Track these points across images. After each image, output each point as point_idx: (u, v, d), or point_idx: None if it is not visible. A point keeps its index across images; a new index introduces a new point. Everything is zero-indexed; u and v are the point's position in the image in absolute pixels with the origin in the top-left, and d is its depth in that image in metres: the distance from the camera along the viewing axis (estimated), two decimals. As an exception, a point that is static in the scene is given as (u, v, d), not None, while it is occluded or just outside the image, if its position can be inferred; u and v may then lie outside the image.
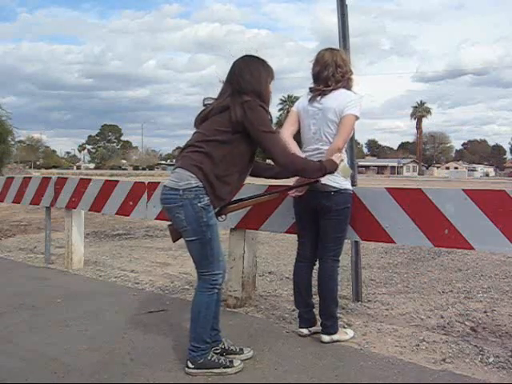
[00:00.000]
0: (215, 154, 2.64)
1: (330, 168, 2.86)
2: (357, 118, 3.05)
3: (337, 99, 3.04)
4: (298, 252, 3.34)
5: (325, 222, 3.11)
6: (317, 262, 3.28)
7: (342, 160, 2.93)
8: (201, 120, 2.79)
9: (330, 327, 3.15)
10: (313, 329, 3.26)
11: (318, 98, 3.10)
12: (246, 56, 2.87)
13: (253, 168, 2.95)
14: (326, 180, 3.00)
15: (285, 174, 2.99)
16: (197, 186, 2.60)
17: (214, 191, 2.65)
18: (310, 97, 3.15)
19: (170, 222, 2.80)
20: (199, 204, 2.61)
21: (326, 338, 3.13)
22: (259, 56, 2.88)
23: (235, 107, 2.65)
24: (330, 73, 3.06)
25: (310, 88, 3.18)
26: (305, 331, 3.26)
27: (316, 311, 3.28)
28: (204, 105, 2.83)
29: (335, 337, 3.14)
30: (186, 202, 2.61)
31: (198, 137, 2.74)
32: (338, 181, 3.03)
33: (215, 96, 2.83)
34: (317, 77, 3.13)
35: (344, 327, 3.39)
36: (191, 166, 2.63)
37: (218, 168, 2.65)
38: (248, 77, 2.74)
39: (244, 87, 2.71)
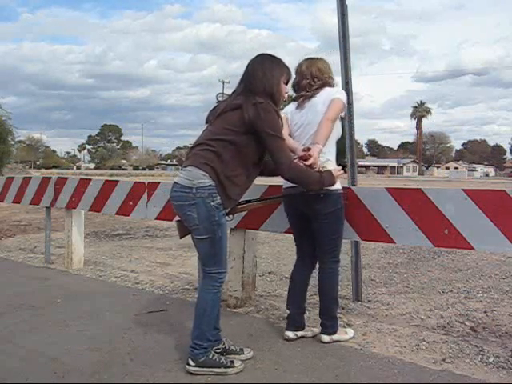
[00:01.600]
0: (224, 154, 2.64)
1: (329, 181, 2.88)
2: (344, 104, 3.12)
3: (322, 95, 3.12)
4: (297, 255, 3.35)
5: (318, 225, 3.11)
6: (316, 265, 3.28)
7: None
8: (213, 117, 2.77)
9: (330, 327, 3.15)
10: (300, 333, 3.20)
11: (305, 102, 3.17)
12: (261, 55, 2.87)
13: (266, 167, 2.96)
14: None
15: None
16: (210, 185, 2.60)
17: (224, 191, 2.65)
18: (297, 103, 3.22)
19: (177, 218, 2.80)
20: (212, 203, 2.61)
21: (326, 338, 3.13)
22: (275, 55, 2.87)
23: (248, 107, 2.64)
24: (306, 82, 3.16)
25: (294, 97, 3.26)
26: (291, 335, 3.19)
27: (306, 316, 3.28)
28: (217, 101, 2.84)
29: (335, 337, 3.14)
30: (199, 201, 2.61)
31: (208, 135, 2.73)
32: None
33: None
34: (297, 87, 3.22)
35: (344, 327, 3.39)
36: (203, 164, 2.62)
37: (227, 168, 2.65)
38: (260, 76, 2.74)
39: (256, 86, 2.72)
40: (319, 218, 3.08)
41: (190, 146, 2.85)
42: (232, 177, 2.67)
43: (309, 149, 2.84)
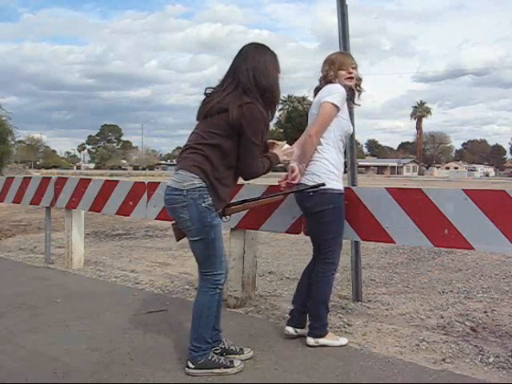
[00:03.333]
0: (213, 158, 2.63)
1: (274, 161, 2.85)
2: (334, 105, 3.00)
3: (318, 96, 3.11)
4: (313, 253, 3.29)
5: (312, 224, 3.12)
6: None
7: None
8: (202, 116, 2.73)
9: (317, 329, 3.07)
10: (300, 331, 3.19)
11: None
12: (257, 44, 2.77)
13: None
14: (304, 180, 3.00)
15: None
16: (200, 186, 2.60)
17: (216, 192, 2.64)
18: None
19: (173, 222, 2.80)
20: (203, 204, 2.61)
21: (310, 340, 3.05)
22: (269, 46, 2.78)
23: (233, 109, 2.58)
24: (321, 76, 3.19)
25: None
26: (291, 330, 3.18)
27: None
28: (205, 94, 2.76)
29: (322, 341, 3.05)
30: (190, 202, 2.60)
31: (196, 138, 2.70)
32: (316, 180, 2.99)
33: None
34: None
35: (345, 326, 3.40)
36: (193, 166, 2.62)
37: (217, 171, 2.64)
38: (263, 70, 2.65)
39: (254, 82, 2.63)
40: (312, 216, 3.07)
41: (181, 149, 2.83)
42: (221, 178, 2.66)
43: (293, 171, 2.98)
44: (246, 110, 2.58)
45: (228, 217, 2.87)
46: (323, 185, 2.97)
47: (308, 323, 3.15)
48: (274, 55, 2.77)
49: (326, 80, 3.14)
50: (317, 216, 3.04)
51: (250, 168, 2.71)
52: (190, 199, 2.60)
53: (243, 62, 2.69)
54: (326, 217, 3.02)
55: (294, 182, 3.02)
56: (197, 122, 2.79)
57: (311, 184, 2.99)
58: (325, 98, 3.02)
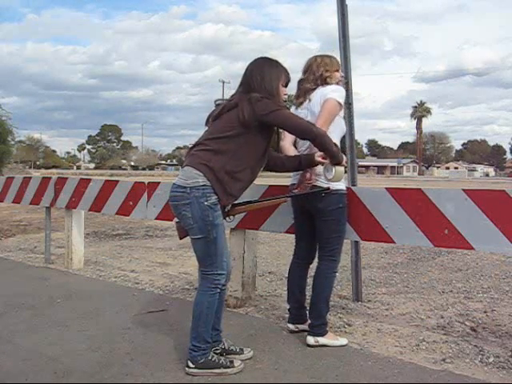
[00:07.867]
0: (225, 150, 2.66)
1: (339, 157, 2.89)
2: (339, 103, 3.07)
3: (318, 94, 3.11)
4: (294, 250, 3.39)
5: (318, 223, 3.14)
6: (313, 261, 3.30)
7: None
8: (212, 118, 2.80)
9: (317, 328, 3.09)
10: (300, 326, 3.27)
11: (305, 100, 3.17)
12: (259, 58, 2.89)
13: (274, 162, 2.98)
14: (317, 182, 3.03)
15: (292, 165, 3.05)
16: (204, 185, 2.62)
17: (224, 188, 2.66)
18: (298, 101, 3.22)
19: (177, 220, 2.82)
20: (206, 202, 2.62)
21: (310, 339, 3.07)
22: (272, 58, 2.89)
23: (243, 105, 2.67)
24: (307, 78, 3.17)
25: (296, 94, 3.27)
26: (291, 326, 3.29)
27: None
28: (216, 105, 2.86)
29: (322, 340, 3.06)
30: (193, 200, 2.62)
31: (207, 135, 2.76)
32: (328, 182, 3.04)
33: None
34: (299, 83, 3.23)
35: (345, 326, 3.39)
36: (199, 164, 2.65)
37: (229, 164, 2.66)
38: (258, 79, 2.77)
39: (254, 90, 2.73)
40: (321, 215, 3.10)
41: (190, 146, 2.88)
42: (235, 172, 2.68)
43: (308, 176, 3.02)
44: (254, 101, 2.66)
45: (232, 217, 2.88)
46: (328, 188, 3.03)
47: (308, 322, 3.16)
48: (276, 65, 2.86)
49: (322, 81, 3.14)
50: (326, 215, 3.08)
51: (295, 127, 2.77)
52: (193, 197, 2.62)
53: (247, 73, 2.82)
54: (334, 216, 3.09)
55: (309, 185, 3.05)
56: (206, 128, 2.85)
57: (325, 185, 3.03)
58: (330, 95, 3.05)
